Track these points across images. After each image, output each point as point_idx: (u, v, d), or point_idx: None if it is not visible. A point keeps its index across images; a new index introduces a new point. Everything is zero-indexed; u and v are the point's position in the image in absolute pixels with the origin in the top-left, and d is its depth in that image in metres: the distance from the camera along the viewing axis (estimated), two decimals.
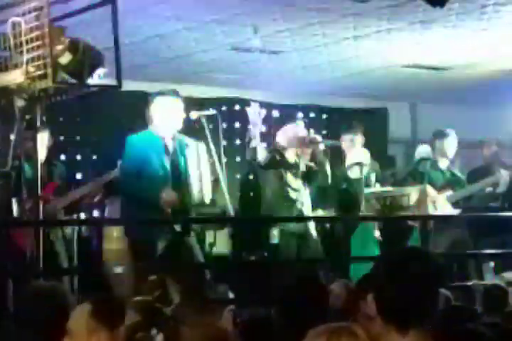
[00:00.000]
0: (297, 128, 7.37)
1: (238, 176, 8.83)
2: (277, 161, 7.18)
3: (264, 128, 7.31)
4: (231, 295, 5.86)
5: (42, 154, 6.75)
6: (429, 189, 7.74)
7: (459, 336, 3.12)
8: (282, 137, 7.33)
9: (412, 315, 2.61)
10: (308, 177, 7.33)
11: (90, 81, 5.55)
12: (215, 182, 6.56)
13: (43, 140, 6.76)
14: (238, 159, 9.74)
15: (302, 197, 7.28)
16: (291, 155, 7.29)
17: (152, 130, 6.58)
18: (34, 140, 5.55)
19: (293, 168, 7.26)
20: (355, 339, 2.74)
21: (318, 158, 7.40)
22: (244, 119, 8.92)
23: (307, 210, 7.32)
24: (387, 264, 2.73)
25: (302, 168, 7.30)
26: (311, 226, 7.27)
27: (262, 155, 7.00)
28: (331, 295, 3.81)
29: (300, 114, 10.43)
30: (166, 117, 6.55)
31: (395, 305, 2.62)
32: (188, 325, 2.97)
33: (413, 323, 2.60)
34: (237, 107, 10.08)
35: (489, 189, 8.22)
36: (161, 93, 6.65)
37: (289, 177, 7.23)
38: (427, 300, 2.63)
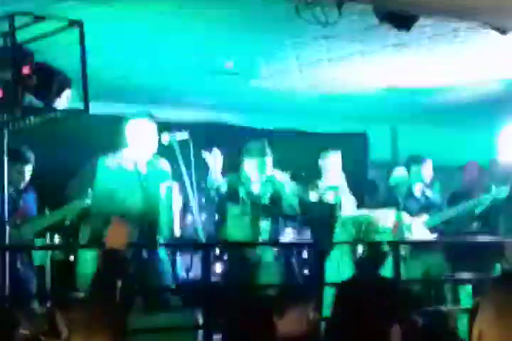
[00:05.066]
0: None
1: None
2: None
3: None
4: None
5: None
6: (404, 215, 7.66)
7: None
8: None
9: None
10: None
11: (58, 104, 5.51)
12: (187, 207, 6.50)
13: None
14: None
15: None
16: None
17: (125, 152, 6.51)
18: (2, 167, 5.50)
19: None
20: None
21: None
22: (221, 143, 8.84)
23: None
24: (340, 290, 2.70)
25: None
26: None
27: None
28: None
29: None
30: (139, 140, 6.48)
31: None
32: None
33: None
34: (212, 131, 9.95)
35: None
36: (134, 115, 6.58)
37: None
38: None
